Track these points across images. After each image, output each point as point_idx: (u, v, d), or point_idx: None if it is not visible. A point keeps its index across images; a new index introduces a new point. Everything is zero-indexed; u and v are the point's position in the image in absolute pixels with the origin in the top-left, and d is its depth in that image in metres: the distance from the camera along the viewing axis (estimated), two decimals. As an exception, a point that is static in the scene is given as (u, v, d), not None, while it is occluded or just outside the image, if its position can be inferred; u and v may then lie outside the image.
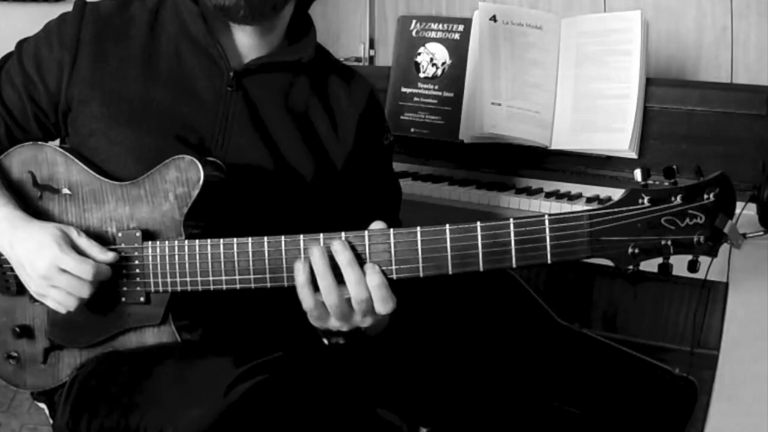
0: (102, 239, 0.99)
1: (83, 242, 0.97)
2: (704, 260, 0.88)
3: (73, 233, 0.97)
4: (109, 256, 0.97)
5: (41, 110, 1.07)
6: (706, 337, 1.81)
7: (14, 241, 0.97)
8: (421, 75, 1.87)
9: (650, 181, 0.83)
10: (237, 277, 0.93)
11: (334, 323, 0.93)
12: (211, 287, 0.95)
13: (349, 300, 0.89)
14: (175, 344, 0.99)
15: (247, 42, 1.07)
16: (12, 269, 1.02)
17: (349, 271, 0.88)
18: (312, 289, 0.90)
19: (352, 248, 0.89)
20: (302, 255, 0.91)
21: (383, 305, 0.89)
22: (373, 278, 0.88)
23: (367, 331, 0.96)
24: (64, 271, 0.94)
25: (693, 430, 1.67)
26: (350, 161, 1.13)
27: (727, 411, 1.41)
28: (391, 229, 0.88)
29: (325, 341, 0.99)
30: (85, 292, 0.95)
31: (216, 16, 1.05)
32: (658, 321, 1.97)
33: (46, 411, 1.13)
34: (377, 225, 0.90)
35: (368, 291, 0.88)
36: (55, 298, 0.96)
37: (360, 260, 0.89)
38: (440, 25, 1.86)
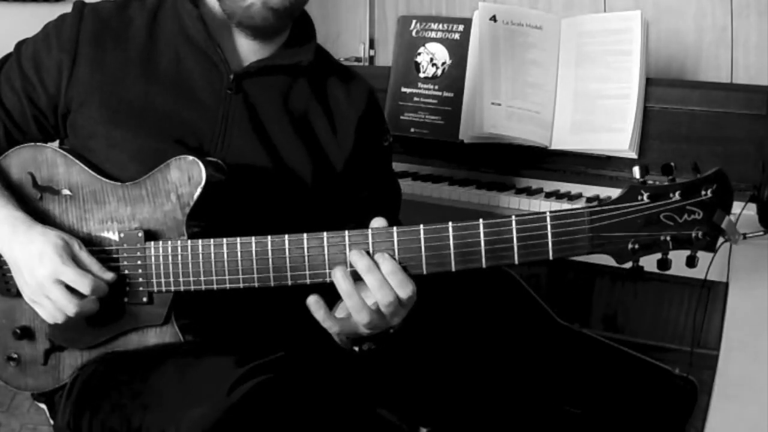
0: (103, 240, 0.99)
1: (84, 256, 0.96)
2: (704, 260, 0.89)
3: (75, 246, 0.96)
4: (108, 275, 0.96)
5: (40, 112, 1.07)
6: (706, 337, 1.81)
7: (14, 245, 0.97)
8: (421, 75, 1.87)
9: (649, 179, 0.84)
10: (240, 276, 0.93)
11: (363, 330, 0.92)
12: (214, 286, 0.95)
13: (375, 306, 0.89)
14: (177, 344, 0.99)
15: (248, 46, 1.07)
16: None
17: (370, 278, 0.88)
18: (335, 319, 0.91)
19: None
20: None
21: (403, 289, 0.88)
22: (386, 266, 0.88)
23: (393, 328, 0.96)
24: (62, 283, 0.94)
25: (693, 430, 1.67)
26: (350, 163, 1.13)
27: (727, 411, 1.41)
28: (394, 227, 0.88)
29: (356, 349, 0.98)
30: (77, 309, 0.94)
31: (217, 19, 1.05)
32: (658, 321, 1.97)
33: (46, 411, 1.13)
34: (378, 222, 0.91)
35: (393, 291, 0.88)
36: (47, 308, 0.96)
37: None
38: (440, 25, 1.86)
